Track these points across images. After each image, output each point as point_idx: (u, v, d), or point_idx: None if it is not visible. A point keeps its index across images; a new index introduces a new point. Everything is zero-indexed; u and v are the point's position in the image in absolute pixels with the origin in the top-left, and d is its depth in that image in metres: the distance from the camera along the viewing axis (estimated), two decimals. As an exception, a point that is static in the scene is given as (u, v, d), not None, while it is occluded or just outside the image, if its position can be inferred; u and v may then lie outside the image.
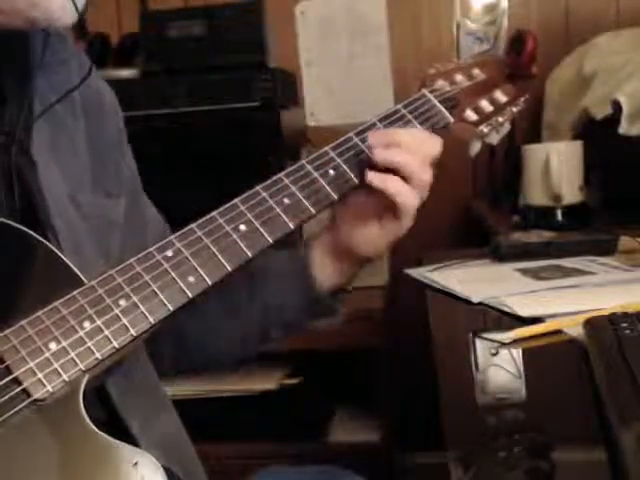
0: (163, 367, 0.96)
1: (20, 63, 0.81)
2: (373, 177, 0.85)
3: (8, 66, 0.80)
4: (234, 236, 0.77)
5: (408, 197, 0.85)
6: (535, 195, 1.58)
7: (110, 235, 0.86)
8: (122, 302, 0.70)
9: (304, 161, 0.84)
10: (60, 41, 0.87)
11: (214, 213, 0.78)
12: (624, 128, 1.48)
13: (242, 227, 0.78)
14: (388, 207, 0.87)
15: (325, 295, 0.93)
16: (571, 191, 1.55)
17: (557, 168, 1.53)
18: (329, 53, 2.17)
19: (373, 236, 0.90)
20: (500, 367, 0.88)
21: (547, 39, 1.90)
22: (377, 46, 2.15)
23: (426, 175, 0.86)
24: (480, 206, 2.02)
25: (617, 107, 1.50)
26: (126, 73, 1.94)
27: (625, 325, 0.80)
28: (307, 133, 2.16)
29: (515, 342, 0.92)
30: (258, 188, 0.81)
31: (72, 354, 0.67)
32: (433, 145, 0.87)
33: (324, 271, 0.93)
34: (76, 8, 0.75)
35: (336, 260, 0.93)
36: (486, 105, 0.95)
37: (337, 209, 0.91)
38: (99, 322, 0.69)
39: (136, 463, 0.65)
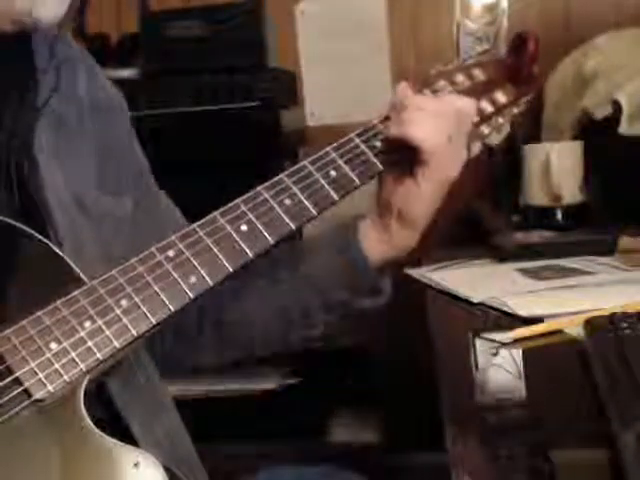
0: (206, 360, 0.97)
1: (25, 63, 0.81)
2: (395, 127, 0.85)
3: (12, 66, 0.80)
4: (235, 236, 0.77)
5: (434, 139, 0.84)
6: (535, 195, 1.58)
7: (115, 235, 0.86)
8: (123, 302, 0.70)
9: (306, 162, 0.84)
10: (66, 42, 0.87)
11: (215, 213, 0.78)
12: (624, 128, 1.48)
13: (243, 227, 0.78)
14: (417, 160, 0.86)
15: (371, 269, 0.91)
16: (571, 191, 1.55)
17: (557, 168, 1.53)
18: (329, 53, 2.17)
19: (411, 193, 0.88)
20: (500, 367, 0.88)
21: (547, 39, 1.89)
22: (377, 46, 2.15)
23: (445, 124, 0.86)
24: (480, 206, 2.02)
25: (617, 107, 1.50)
26: (126, 73, 1.94)
27: (625, 325, 0.80)
28: (307, 133, 2.16)
29: (515, 342, 0.92)
30: (260, 189, 0.81)
31: (73, 354, 0.67)
32: (453, 103, 0.88)
33: (372, 242, 0.91)
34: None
35: (382, 230, 0.90)
36: (486, 106, 0.95)
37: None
38: (100, 322, 0.69)
39: (137, 463, 0.65)
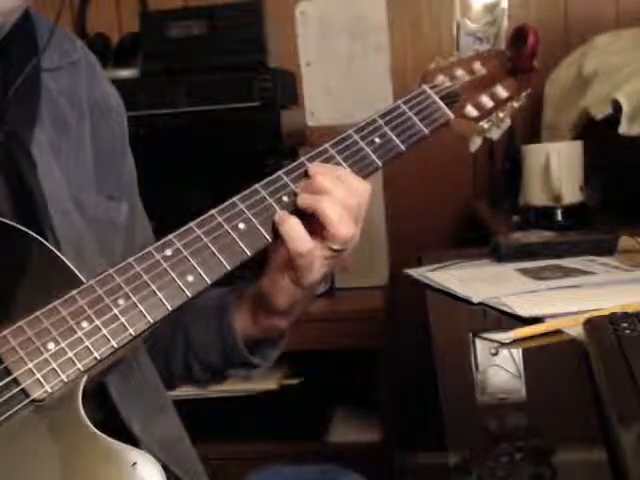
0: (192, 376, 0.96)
1: (29, 63, 0.81)
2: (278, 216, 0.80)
3: (18, 65, 0.80)
4: (233, 235, 0.77)
5: (303, 245, 0.78)
6: (535, 195, 1.58)
7: (113, 237, 0.86)
8: (121, 302, 0.70)
9: (303, 159, 0.83)
10: (70, 43, 0.87)
11: (213, 212, 0.77)
12: (624, 128, 1.48)
13: (241, 226, 0.78)
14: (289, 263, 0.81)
15: (240, 345, 0.89)
16: (571, 191, 1.55)
17: (557, 168, 1.53)
18: (329, 53, 2.17)
19: (277, 284, 0.84)
20: (500, 367, 0.88)
21: (547, 39, 1.89)
22: (377, 46, 2.15)
23: (346, 229, 0.79)
24: (480, 206, 2.02)
25: (617, 107, 1.50)
26: (126, 73, 1.94)
27: (625, 325, 0.80)
28: (307, 133, 2.16)
29: (515, 342, 0.92)
30: (257, 186, 0.80)
31: (70, 354, 0.67)
32: (360, 195, 0.81)
33: (241, 319, 0.90)
34: None
35: (251, 309, 0.89)
36: (487, 101, 0.94)
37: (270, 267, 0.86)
38: (98, 322, 0.69)
39: (135, 463, 0.65)
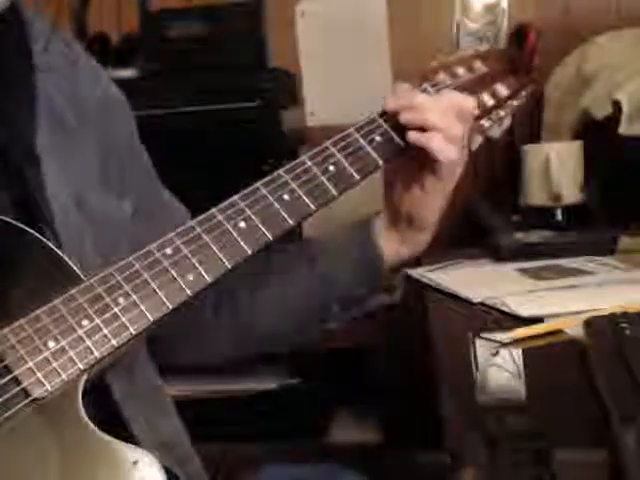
0: (220, 355, 0.97)
1: (24, 64, 0.81)
2: (415, 136, 0.84)
3: (13, 66, 0.80)
4: (234, 233, 0.77)
5: (451, 152, 0.84)
6: (535, 195, 1.58)
7: (117, 235, 0.85)
8: (121, 300, 0.70)
9: (304, 157, 0.83)
10: (68, 44, 0.87)
11: (213, 210, 0.77)
12: (624, 128, 1.48)
13: (242, 224, 0.77)
14: (428, 169, 0.86)
15: (387, 266, 0.91)
16: (571, 191, 1.55)
17: (557, 168, 1.53)
18: (329, 53, 2.17)
19: (419, 200, 0.88)
20: (500, 367, 0.88)
21: (547, 39, 1.89)
22: (377, 46, 2.15)
23: (455, 129, 0.85)
24: (480, 206, 2.02)
25: (617, 107, 1.50)
26: (126, 73, 1.94)
27: (625, 325, 0.80)
28: (307, 133, 2.16)
29: (515, 342, 0.92)
30: (258, 185, 0.80)
31: (71, 353, 0.67)
32: (454, 101, 0.87)
33: (386, 243, 0.91)
34: None
35: (396, 232, 0.91)
36: (487, 99, 0.94)
37: (385, 176, 0.90)
38: (98, 320, 0.69)
39: (135, 462, 0.65)
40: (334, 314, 0.95)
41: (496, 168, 2.03)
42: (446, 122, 0.85)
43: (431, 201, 0.88)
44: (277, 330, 0.96)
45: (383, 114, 0.88)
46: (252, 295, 0.94)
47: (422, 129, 0.85)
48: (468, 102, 0.88)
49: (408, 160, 0.87)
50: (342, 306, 0.94)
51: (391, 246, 0.91)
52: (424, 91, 0.90)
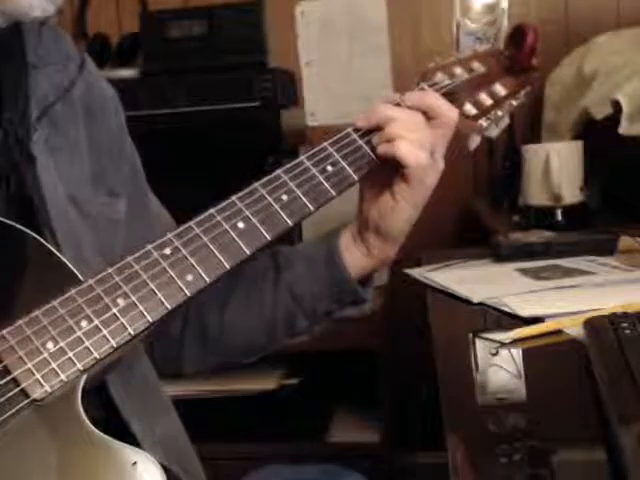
0: (188, 369, 0.97)
1: (17, 62, 0.81)
2: (383, 148, 0.84)
3: (6, 65, 0.80)
4: (232, 234, 0.77)
5: (418, 156, 0.83)
6: (535, 195, 1.58)
7: (112, 234, 0.86)
8: (120, 301, 0.70)
9: (303, 157, 0.83)
10: (59, 41, 0.87)
11: (212, 210, 0.77)
12: (624, 128, 1.48)
13: (240, 224, 0.77)
14: (398, 176, 0.85)
15: (353, 281, 0.91)
16: (571, 191, 1.55)
17: (557, 168, 1.53)
18: (329, 53, 2.17)
19: (389, 209, 0.88)
20: (500, 367, 0.88)
21: (547, 39, 1.89)
22: (377, 46, 2.15)
23: (419, 134, 0.85)
24: (480, 206, 2.02)
25: (617, 107, 1.50)
26: (126, 73, 1.94)
27: (625, 325, 0.80)
28: (307, 133, 2.16)
29: (515, 342, 0.92)
30: (256, 185, 0.80)
31: (70, 354, 0.67)
32: (421, 104, 0.87)
33: (352, 255, 0.91)
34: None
35: (362, 242, 0.91)
36: (485, 99, 0.94)
37: (360, 185, 0.89)
38: (97, 321, 0.69)
39: (135, 463, 0.65)
40: (302, 328, 0.95)
41: (496, 168, 2.04)
42: (410, 128, 0.84)
43: (400, 210, 0.87)
44: (244, 344, 0.97)
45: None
46: (219, 315, 0.95)
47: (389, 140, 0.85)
48: (450, 110, 0.87)
49: (379, 168, 0.87)
50: (310, 320, 0.95)
51: (356, 258, 0.91)
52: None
